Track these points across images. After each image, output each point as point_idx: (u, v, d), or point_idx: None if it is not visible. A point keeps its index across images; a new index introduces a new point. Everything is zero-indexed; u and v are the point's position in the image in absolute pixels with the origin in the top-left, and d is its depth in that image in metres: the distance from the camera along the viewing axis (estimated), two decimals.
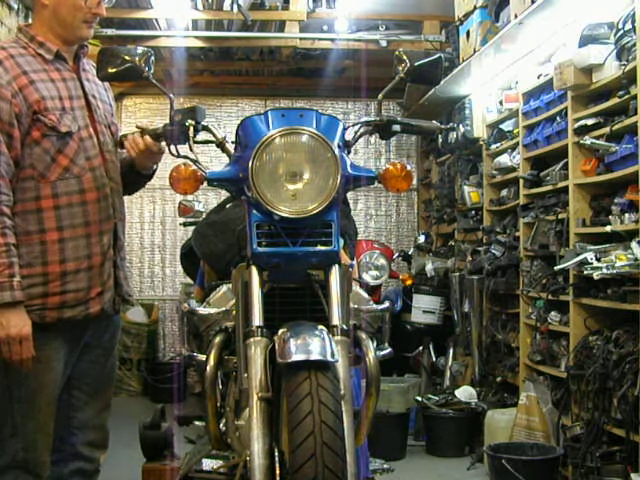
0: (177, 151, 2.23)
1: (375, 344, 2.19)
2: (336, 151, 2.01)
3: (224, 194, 3.70)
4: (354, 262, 3.15)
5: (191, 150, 2.19)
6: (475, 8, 4.98)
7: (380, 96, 2.30)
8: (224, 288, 2.34)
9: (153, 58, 2.28)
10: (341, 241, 2.21)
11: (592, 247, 3.84)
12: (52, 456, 2.33)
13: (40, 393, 2.26)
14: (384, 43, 6.00)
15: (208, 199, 6.89)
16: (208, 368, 2.10)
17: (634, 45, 3.52)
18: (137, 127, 2.42)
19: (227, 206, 3.12)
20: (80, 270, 2.30)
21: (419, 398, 5.16)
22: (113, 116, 2.54)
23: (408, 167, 2.16)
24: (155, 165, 2.58)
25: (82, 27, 2.36)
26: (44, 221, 2.26)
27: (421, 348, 5.96)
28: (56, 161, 2.28)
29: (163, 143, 2.40)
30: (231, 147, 2.24)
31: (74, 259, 2.29)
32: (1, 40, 3.75)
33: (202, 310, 2.27)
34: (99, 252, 2.35)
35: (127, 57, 2.24)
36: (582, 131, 4.00)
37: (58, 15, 2.33)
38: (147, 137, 2.39)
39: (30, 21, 4.12)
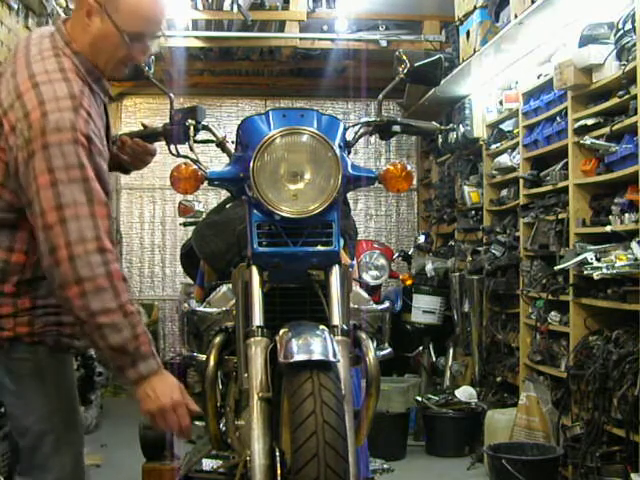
0: (177, 151, 2.23)
1: (375, 344, 2.20)
2: (337, 151, 2.01)
3: (224, 194, 3.70)
4: (354, 262, 3.15)
5: (191, 150, 2.19)
6: (475, 8, 4.98)
7: (380, 96, 2.31)
8: (224, 288, 2.34)
9: (153, 58, 2.27)
10: (341, 241, 2.21)
11: (592, 247, 3.84)
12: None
13: (76, 403, 2.23)
14: (384, 43, 6.00)
15: (208, 199, 6.89)
16: (208, 368, 2.10)
17: (634, 45, 3.52)
18: (142, 125, 2.40)
19: (227, 206, 3.12)
20: None
21: (419, 398, 5.16)
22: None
23: (408, 167, 2.16)
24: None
25: (117, 68, 2.10)
26: None
27: (421, 348, 5.96)
28: None
29: (161, 143, 2.39)
30: (231, 147, 2.24)
31: None
32: (2, 41, 3.74)
33: (202, 310, 2.27)
34: None
35: None
36: (582, 131, 4.00)
37: (96, 44, 2.04)
38: (137, 139, 2.33)
39: (28, 20, 4.13)
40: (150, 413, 1.97)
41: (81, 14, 2.03)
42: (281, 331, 1.89)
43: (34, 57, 1.99)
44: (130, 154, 2.37)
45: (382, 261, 5.71)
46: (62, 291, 1.88)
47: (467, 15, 5.14)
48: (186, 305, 2.31)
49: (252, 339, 1.95)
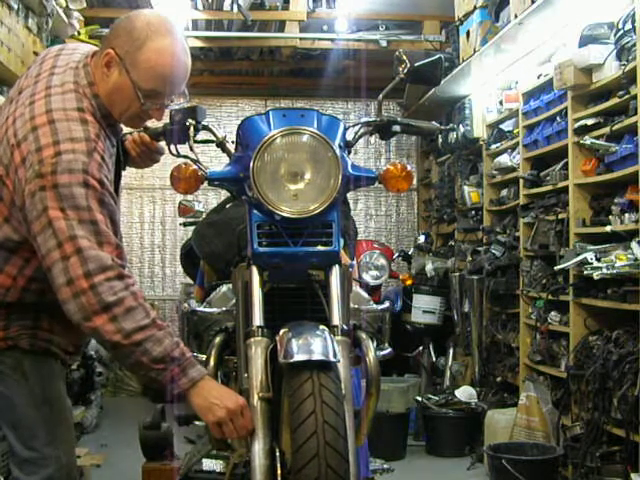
0: (177, 151, 2.22)
1: (375, 344, 2.20)
2: (337, 151, 2.01)
3: (224, 194, 3.71)
4: (354, 262, 3.15)
5: (191, 150, 2.19)
6: (475, 8, 4.98)
7: (380, 96, 2.31)
8: (224, 288, 2.34)
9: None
10: (341, 241, 2.21)
11: (592, 247, 3.84)
12: None
13: (65, 396, 2.23)
14: (384, 43, 6.01)
15: (208, 199, 6.89)
16: (208, 368, 2.10)
17: (634, 45, 3.52)
18: (143, 126, 2.40)
19: (227, 206, 3.12)
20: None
21: (419, 398, 5.16)
22: None
23: (408, 167, 2.16)
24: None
25: (132, 121, 2.11)
26: None
27: (421, 348, 5.96)
28: None
29: (162, 143, 2.39)
30: (231, 147, 2.24)
31: None
32: (2, 41, 3.74)
33: (202, 310, 2.27)
34: None
35: None
36: (582, 131, 4.00)
37: (112, 94, 2.02)
38: (145, 136, 2.33)
39: (28, 20, 4.13)
40: (220, 421, 1.90)
41: (102, 61, 2.02)
42: (281, 331, 1.89)
43: (55, 88, 1.98)
44: (137, 152, 2.37)
45: (382, 261, 5.70)
46: (87, 322, 1.85)
47: (467, 15, 5.14)
48: (186, 305, 2.31)
49: (252, 339, 1.95)
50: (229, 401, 1.89)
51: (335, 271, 2.03)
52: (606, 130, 3.81)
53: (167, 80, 2.02)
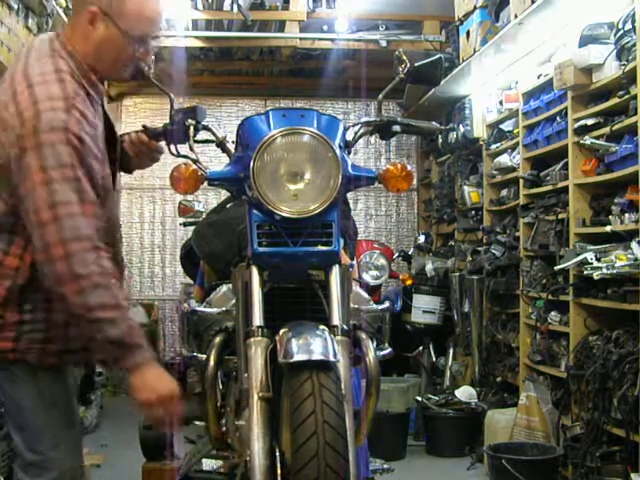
0: (177, 151, 2.23)
1: (375, 344, 2.20)
2: (337, 151, 2.01)
3: (224, 194, 3.70)
4: (354, 262, 3.15)
5: (191, 150, 2.19)
6: (475, 8, 4.98)
7: (380, 96, 2.30)
8: (224, 288, 2.34)
9: (153, 58, 2.27)
10: (341, 241, 2.21)
11: (592, 247, 3.84)
12: None
13: (73, 399, 2.23)
14: (384, 43, 6.01)
15: (208, 199, 6.89)
16: (208, 368, 2.10)
17: (634, 45, 3.52)
18: (143, 126, 2.40)
19: (227, 206, 3.12)
20: None
21: (419, 398, 5.16)
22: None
23: (408, 167, 2.16)
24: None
25: (122, 69, 2.14)
26: None
27: (421, 348, 5.96)
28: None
29: (162, 143, 2.39)
30: (231, 147, 2.24)
31: None
32: (2, 41, 3.74)
33: (202, 310, 2.27)
34: None
35: None
36: (582, 131, 4.00)
37: (102, 50, 2.07)
38: (142, 135, 2.34)
39: (28, 20, 4.13)
40: (149, 402, 1.99)
41: (82, 22, 2.06)
42: (281, 331, 1.89)
43: (32, 60, 2.02)
44: (136, 152, 2.38)
45: (382, 261, 5.70)
46: (58, 287, 1.91)
47: (467, 15, 5.14)
48: (186, 305, 2.30)
49: (252, 339, 1.95)
50: (163, 387, 1.98)
51: (335, 271, 2.03)
52: (606, 130, 3.81)
53: (155, 22, 2.12)
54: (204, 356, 2.15)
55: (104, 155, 2.07)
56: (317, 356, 1.78)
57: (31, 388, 2.07)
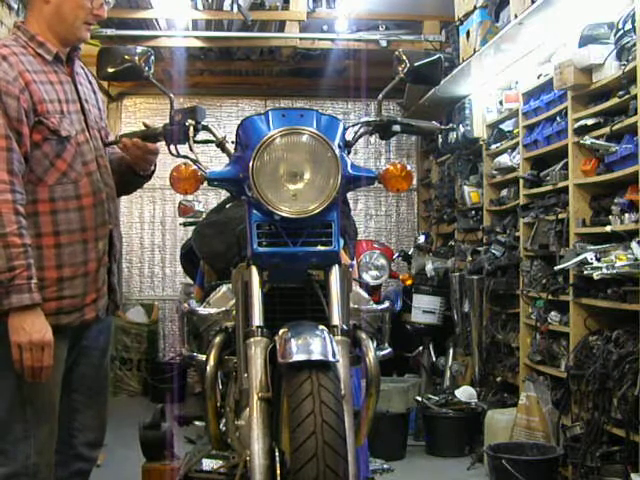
0: (177, 151, 2.23)
1: (375, 344, 2.19)
2: (336, 151, 2.01)
3: (224, 194, 3.70)
4: (354, 262, 3.15)
5: (191, 150, 2.19)
6: (475, 8, 4.98)
7: (380, 96, 2.30)
8: (224, 288, 2.34)
9: (153, 58, 2.28)
10: (341, 241, 2.21)
11: (592, 247, 3.84)
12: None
13: (52, 394, 2.24)
14: (384, 43, 6.00)
15: (208, 199, 6.89)
16: (208, 368, 2.10)
17: (634, 45, 3.52)
18: (144, 124, 2.41)
19: (227, 206, 3.12)
20: (76, 276, 2.26)
21: (419, 398, 5.16)
22: (103, 120, 2.50)
23: (408, 167, 2.16)
24: (153, 166, 2.57)
25: (82, 28, 2.32)
26: (40, 225, 2.21)
27: (421, 348, 5.96)
28: (54, 165, 2.24)
29: (159, 144, 2.40)
30: (231, 147, 2.24)
31: (70, 265, 2.25)
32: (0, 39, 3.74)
33: (202, 310, 2.27)
34: (95, 258, 2.31)
35: (127, 57, 2.24)
36: (582, 131, 4.00)
37: (60, 13, 2.28)
38: (136, 140, 2.37)
39: (22, 17, 4.14)
40: (19, 345, 2.10)
41: (37, 1, 2.31)
42: (281, 331, 1.89)
43: None
44: (132, 155, 2.40)
45: (382, 261, 5.70)
46: None
47: (467, 15, 5.14)
48: (186, 305, 2.30)
49: (252, 339, 1.94)
50: (36, 333, 2.10)
51: (335, 271, 2.03)
52: (606, 130, 3.81)
53: None
54: (204, 356, 2.15)
55: (69, 112, 2.28)
56: (316, 356, 1.78)
57: (6, 375, 2.16)
